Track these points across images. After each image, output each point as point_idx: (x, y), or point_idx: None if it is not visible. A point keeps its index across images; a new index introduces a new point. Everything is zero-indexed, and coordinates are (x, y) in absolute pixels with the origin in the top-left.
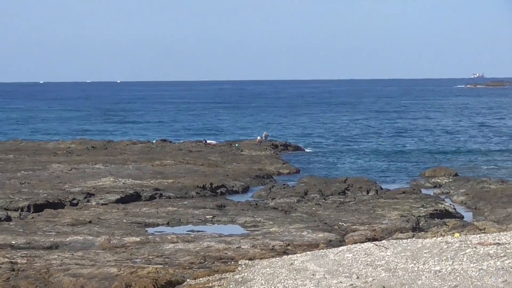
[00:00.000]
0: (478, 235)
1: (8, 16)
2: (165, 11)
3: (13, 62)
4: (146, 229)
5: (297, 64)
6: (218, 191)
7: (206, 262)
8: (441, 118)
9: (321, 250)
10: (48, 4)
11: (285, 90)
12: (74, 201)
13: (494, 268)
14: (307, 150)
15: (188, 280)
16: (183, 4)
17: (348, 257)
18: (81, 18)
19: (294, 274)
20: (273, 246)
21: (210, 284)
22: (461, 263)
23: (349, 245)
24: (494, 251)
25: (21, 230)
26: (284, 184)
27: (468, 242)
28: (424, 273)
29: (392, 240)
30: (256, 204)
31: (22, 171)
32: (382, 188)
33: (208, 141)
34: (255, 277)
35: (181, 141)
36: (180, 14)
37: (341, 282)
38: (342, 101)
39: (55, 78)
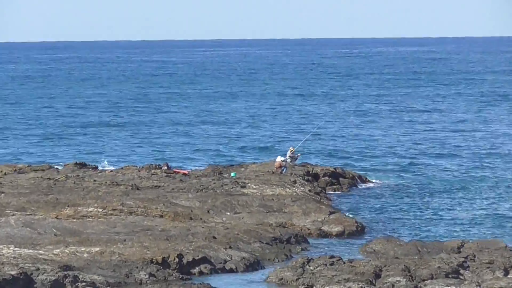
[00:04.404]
0: None
1: None
2: None
3: None
4: None
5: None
6: (195, 270)
7: None
8: None
9: None
10: None
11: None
12: None
13: None
14: (376, 182)
15: None
16: None
17: None
18: None
19: None
20: None
21: None
22: None
23: None
24: None
25: None
26: (332, 257)
27: None
28: None
29: None
30: None
31: None
32: None
33: (173, 168)
34: None
35: (120, 167)
36: None
37: None
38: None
39: None
